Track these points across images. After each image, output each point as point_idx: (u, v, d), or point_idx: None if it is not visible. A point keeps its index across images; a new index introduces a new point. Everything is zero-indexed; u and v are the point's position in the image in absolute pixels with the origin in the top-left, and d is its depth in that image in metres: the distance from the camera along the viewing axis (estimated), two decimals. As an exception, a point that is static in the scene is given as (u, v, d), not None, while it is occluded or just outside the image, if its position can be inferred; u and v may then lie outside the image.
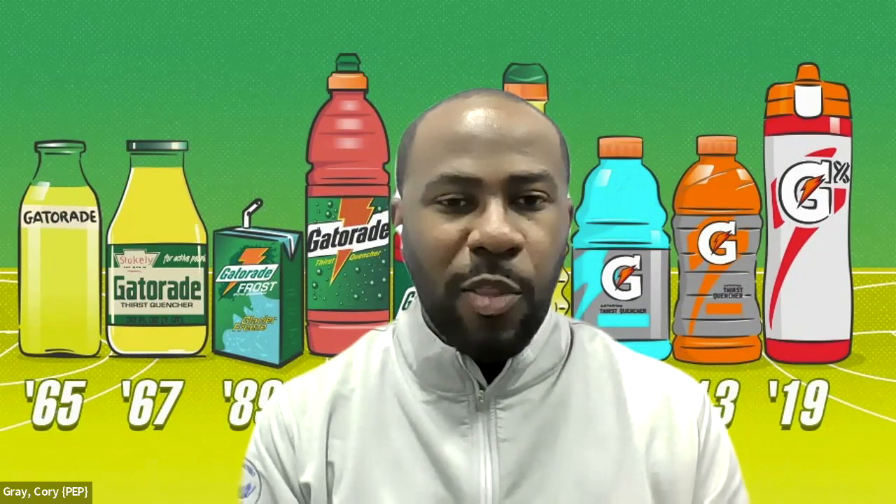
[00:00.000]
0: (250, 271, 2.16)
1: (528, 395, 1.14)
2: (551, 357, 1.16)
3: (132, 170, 2.19)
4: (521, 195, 1.09)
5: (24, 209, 2.18)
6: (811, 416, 2.15)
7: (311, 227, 2.19)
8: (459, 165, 1.08)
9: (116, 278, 2.17)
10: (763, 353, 2.20)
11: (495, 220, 1.06)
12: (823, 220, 2.17)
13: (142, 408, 2.15)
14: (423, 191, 1.11)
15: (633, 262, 2.17)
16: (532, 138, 1.10)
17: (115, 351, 2.18)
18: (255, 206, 2.20)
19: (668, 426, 1.17)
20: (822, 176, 2.16)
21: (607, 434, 1.15)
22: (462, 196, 1.09)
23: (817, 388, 2.15)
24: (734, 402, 2.15)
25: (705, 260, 2.19)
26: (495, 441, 1.13)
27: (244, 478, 1.21)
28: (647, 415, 1.17)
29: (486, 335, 1.09)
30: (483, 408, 1.14)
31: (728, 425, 2.11)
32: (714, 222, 2.18)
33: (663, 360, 2.10)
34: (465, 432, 1.13)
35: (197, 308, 2.19)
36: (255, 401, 2.15)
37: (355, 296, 2.18)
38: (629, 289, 2.17)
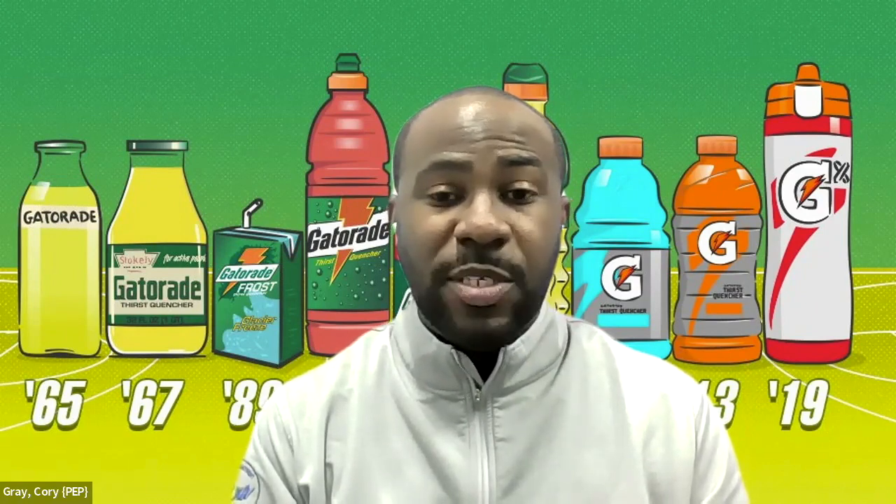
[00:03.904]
0: (250, 271, 2.17)
1: (525, 393, 1.14)
2: (547, 354, 1.16)
3: (132, 170, 2.19)
4: (511, 187, 1.10)
5: (24, 209, 2.19)
6: (811, 416, 2.15)
7: (311, 227, 2.19)
8: (449, 153, 1.10)
9: (116, 278, 2.18)
10: (763, 353, 2.20)
11: (482, 211, 1.07)
12: (823, 220, 2.17)
13: (142, 408, 2.15)
14: (415, 183, 1.12)
15: (633, 262, 2.17)
16: (523, 130, 1.11)
17: (115, 351, 2.19)
18: (255, 206, 2.20)
19: (665, 425, 1.17)
20: (822, 176, 2.16)
21: (605, 433, 1.15)
22: (451, 188, 1.10)
23: (817, 388, 2.15)
24: (734, 402, 2.15)
25: (705, 260, 2.19)
26: (492, 440, 1.13)
27: (242, 479, 1.21)
28: (644, 414, 1.17)
29: (475, 323, 1.09)
30: (480, 406, 1.14)
31: (728, 425, 2.11)
32: (714, 222, 2.18)
33: (663, 360, 2.10)
34: (462, 431, 1.13)
35: (197, 308, 2.19)
36: (255, 401, 2.15)
37: (355, 296, 2.18)
38: (629, 289, 2.17)
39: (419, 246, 1.11)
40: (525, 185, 1.10)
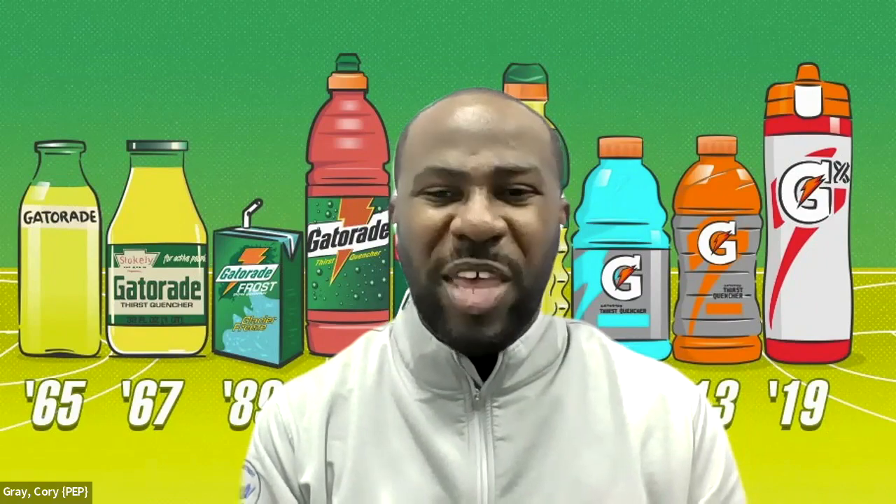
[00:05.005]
0: (250, 271, 2.17)
1: (524, 393, 1.15)
2: (547, 354, 1.16)
3: (132, 170, 2.19)
4: (508, 187, 1.10)
5: (24, 209, 2.19)
6: (811, 416, 2.15)
7: (311, 227, 2.19)
8: (446, 158, 1.10)
9: (116, 278, 2.18)
10: (763, 353, 2.20)
11: (478, 209, 1.08)
12: (823, 220, 2.17)
13: (142, 408, 2.15)
14: (412, 183, 1.12)
15: (633, 262, 2.17)
16: (520, 133, 1.11)
17: (115, 351, 2.19)
18: (255, 206, 2.20)
19: (663, 426, 1.17)
20: (822, 176, 2.16)
21: (603, 433, 1.15)
22: (448, 188, 1.10)
23: (817, 388, 2.15)
24: (734, 402, 2.15)
25: (705, 260, 2.19)
26: (492, 440, 1.13)
27: (244, 478, 1.21)
28: (642, 414, 1.17)
29: (470, 331, 1.09)
30: (479, 406, 1.14)
31: (728, 425, 2.12)
32: (714, 222, 2.18)
33: (663, 360, 2.10)
34: (461, 430, 1.13)
35: (197, 308, 2.19)
36: (255, 401, 2.15)
37: (355, 296, 2.18)
38: (629, 289, 2.17)
39: (416, 241, 1.11)
40: (523, 186, 1.10)
